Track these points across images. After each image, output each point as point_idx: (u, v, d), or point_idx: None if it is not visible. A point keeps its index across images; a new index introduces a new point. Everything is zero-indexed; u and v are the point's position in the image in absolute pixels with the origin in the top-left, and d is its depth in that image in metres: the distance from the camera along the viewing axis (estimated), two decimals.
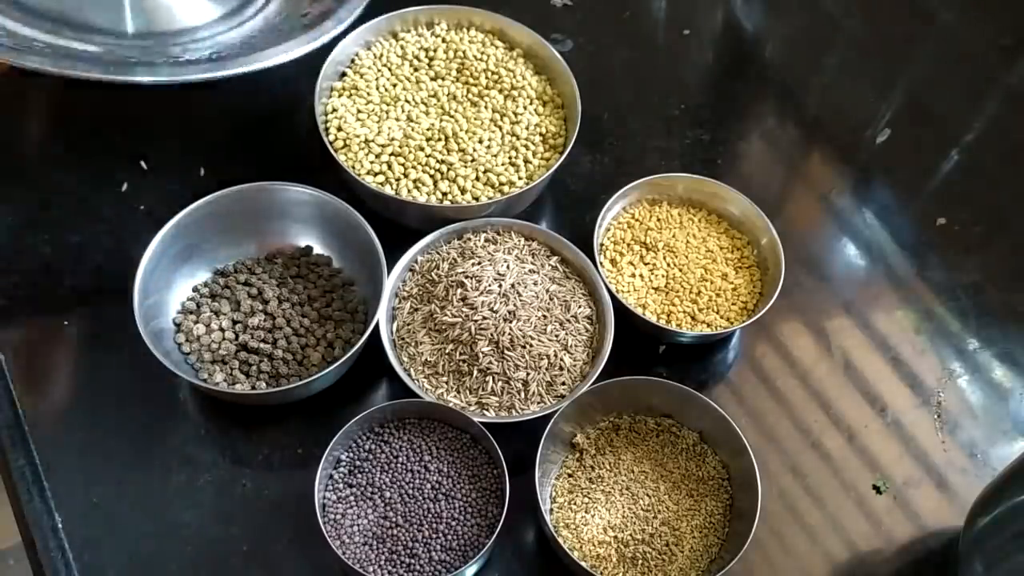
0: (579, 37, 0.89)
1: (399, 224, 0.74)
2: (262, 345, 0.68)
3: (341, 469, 0.63)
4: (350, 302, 0.71)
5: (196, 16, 0.80)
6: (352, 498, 0.62)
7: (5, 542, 1.18)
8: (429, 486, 0.62)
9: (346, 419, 0.62)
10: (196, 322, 0.69)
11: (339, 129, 0.75)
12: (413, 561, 0.60)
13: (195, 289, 0.71)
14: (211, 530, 0.64)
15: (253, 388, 0.66)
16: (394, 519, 0.61)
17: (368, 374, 0.69)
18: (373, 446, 0.64)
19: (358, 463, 0.63)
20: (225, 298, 0.70)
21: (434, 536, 0.61)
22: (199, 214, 0.69)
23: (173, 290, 0.70)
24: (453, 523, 0.61)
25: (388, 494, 0.62)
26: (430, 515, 0.61)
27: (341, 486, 0.62)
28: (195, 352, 0.68)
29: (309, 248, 0.74)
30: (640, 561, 0.62)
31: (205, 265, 0.72)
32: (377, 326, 0.66)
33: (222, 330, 0.68)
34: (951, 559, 0.66)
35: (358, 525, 0.61)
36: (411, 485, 0.62)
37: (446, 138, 0.75)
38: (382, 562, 0.60)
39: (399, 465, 0.63)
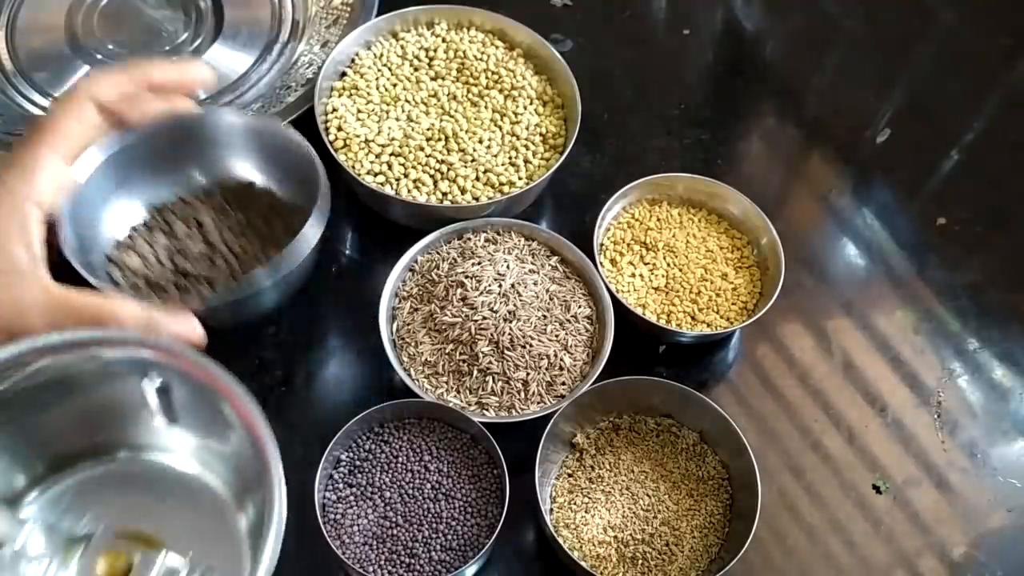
0: (579, 37, 0.89)
1: (399, 224, 0.74)
2: (199, 268, 0.64)
3: (341, 469, 0.63)
4: (293, 226, 0.64)
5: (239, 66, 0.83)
6: (352, 498, 0.62)
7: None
8: (429, 486, 0.62)
9: (346, 419, 0.62)
10: (131, 254, 0.64)
11: (339, 129, 0.75)
12: (413, 561, 0.60)
13: (133, 228, 0.66)
14: None
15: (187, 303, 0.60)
16: (394, 519, 0.61)
17: (368, 374, 0.69)
18: (373, 446, 0.64)
19: (358, 463, 0.63)
20: (161, 230, 0.66)
21: (434, 536, 0.61)
22: (128, 146, 0.63)
23: (105, 228, 0.65)
24: (453, 523, 0.61)
25: (388, 494, 0.62)
26: (430, 515, 0.61)
27: (341, 486, 0.62)
28: (131, 284, 0.63)
29: (251, 183, 0.69)
30: (640, 561, 0.62)
31: (141, 206, 0.67)
32: (377, 326, 0.66)
33: (159, 261, 0.65)
34: (951, 559, 0.66)
35: (358, 525, 0.61)
36: (411, 485, 0.62)
37: (446, 138, 0.75)
38: (382, 562, 0.60)
39: (399, 465, 0.63)
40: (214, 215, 0.67)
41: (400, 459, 0.63)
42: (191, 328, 0.57)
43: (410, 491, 0.62)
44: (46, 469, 0.57)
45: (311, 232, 0.62)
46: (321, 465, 0.61)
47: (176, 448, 0.58)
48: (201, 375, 0.53)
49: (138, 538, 0.53)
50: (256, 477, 0.51)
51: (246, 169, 0.70)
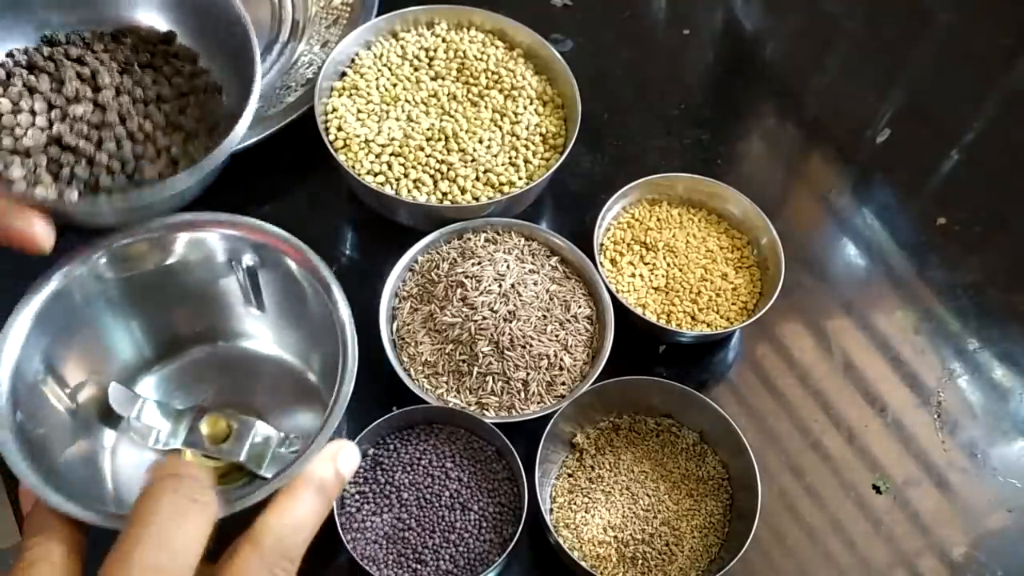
0: (579, 37, 0.89)
1: (399, 224, 0.74)
2: (82, 143, 0.53)
3: (365, 463, 0.63)
4: (212, 112, 0.57)
5: None
6: (370, 494, 0.62)
7: (5, 542, 1.19)
8: (447, 493, 0.62)
9: (372, 417, 0.62)
10: (1, 96, 0.54)
11: (339, 129, 0.75)
12: (420, 567, 0.60)
13: (9, 55, 0.56)
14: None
15: (61, 196, 0.52)
16: (408, 521, 0.61)
17: (368, 374, 0.69)
18: (399, 444, 0.64)
19: (380, 460, 0.63)
20: (47, 73, 0.55)
21: (444, 545, 0.60)
22: None
23: None
24: (465, 535, 0.61)
25: (406, 495, 0.62)
26: (444, 523, 0.61)
27: (361, 480, 0.63)
28: None
29: (171, 35, 0.58)
30: (640, 561, 0.62)
31: (29, 26, 0.57)
32: (378, 326, 0.66)
33: (33, 113, 0.54)
34: (951, 559, 0.66)
35: (371, 522, 0.61)
36: (429, 490, 0.62)
37: (446, 138, 0.75)
38: (389, 562, 0.60)
39: (421, 468, 0.63)
40: (116, 76, 0.55)
41: (423, 462, 0.63)
42: (29, 227, 0.48)
43: (427, 496, 0.62)
44: (159, 353, 0.65)
45: (236, 136, 0.53)
46: None
47: (263, 335, 0.66)
48: (279, 246, 0.59)
49: (236, 411, 0.62)
50: (328, 334, 0.57)
51: (169, 24, 0.59)
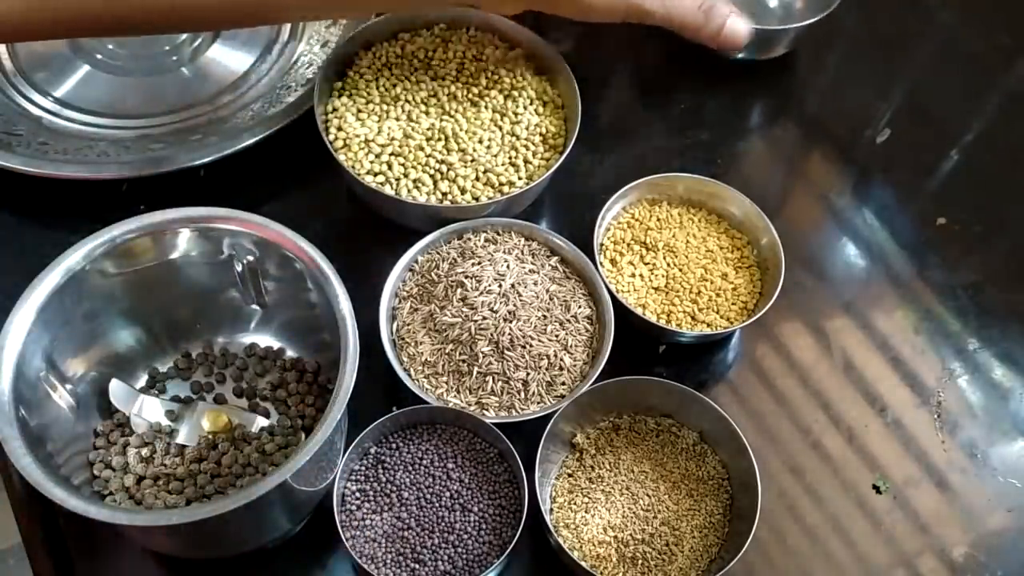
0: (579, 37, 0.89)
1: (399, 224, 0.74)
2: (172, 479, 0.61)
3: (367, 461, 0.63)
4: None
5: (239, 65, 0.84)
6: (371, 492, 0.62)
7: (5, 542, 1.19)
8: (448, 494, 0.62)
9: (371, 417, 0.62)
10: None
11: (339, 129, 0.75)
12: (418, 567, 0.60)
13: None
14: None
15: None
16: (407, 520, 0.61)
17: (371, 375, 0.69)
18: (402, 443, 0.64)
19: (382, 458, 0.63)
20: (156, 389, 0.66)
21: (443, 546, 0.60)
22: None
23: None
24: (464, 536, 0.61)
25: (406, 495, 0.62)
26: (443, 523, 0.61)
27: (362, 479, 0.63)
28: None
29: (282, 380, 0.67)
30: (640, 561, 0.62)
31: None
32: (378, 326, 0.66)
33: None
34: (951, 559, 0.66)
35: (370, 520, 0.61)
36: (430, 491, 0.62)
37: (446, 138, 0.75)
38: (388, 560, 0.60)
39: (422, 468, 0.63)
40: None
41: (425, 462, 0.63)
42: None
43: (428, 496, 0.62)
44: (159, 348, 0.67)
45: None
46: (348, 456, 0.61)
47: (264, 329, 0.68)
48: (280, 241, 0.61)
49: (237, 406, 0.64)
50: (328, 328, 0.59)
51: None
